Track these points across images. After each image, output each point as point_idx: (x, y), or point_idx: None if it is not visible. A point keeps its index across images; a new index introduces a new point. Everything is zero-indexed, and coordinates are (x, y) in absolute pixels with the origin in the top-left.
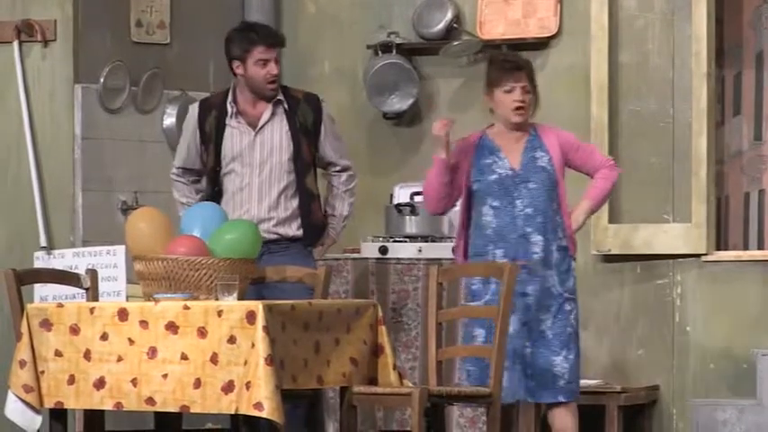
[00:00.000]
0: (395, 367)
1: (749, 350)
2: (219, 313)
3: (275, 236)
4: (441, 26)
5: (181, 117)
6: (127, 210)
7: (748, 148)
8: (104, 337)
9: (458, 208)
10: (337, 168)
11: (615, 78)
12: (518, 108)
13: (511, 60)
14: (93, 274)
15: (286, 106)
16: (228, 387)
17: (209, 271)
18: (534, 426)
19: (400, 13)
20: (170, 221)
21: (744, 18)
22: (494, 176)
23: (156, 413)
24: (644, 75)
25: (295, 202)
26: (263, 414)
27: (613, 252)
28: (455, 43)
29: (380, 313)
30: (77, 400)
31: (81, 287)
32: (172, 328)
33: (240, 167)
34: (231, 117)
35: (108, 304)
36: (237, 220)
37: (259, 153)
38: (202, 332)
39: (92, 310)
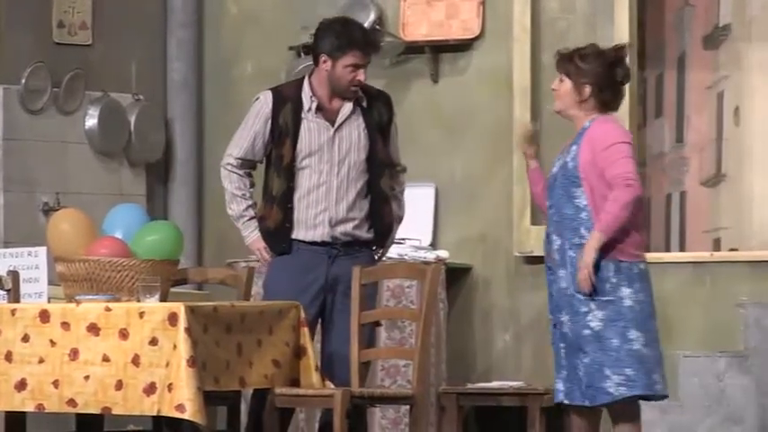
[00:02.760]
0: (317, 369)
1: (670, 352)
2: (141, 315)
3: (350, 238)
4: None
5: (103, 118)
6: (48, 211)
7: (670, 150)
8: (26, 338)
9: None
10: (398, 169)
11: (538, 80)
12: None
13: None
14: (14, 275)
15: (364, 104)
16: (150, 389)
17: (130, 272)
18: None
19: (323, 14)
20: (92, 223)
21: (666, 20)
22: (548, 175)
23: (78, 415)
24: None
25: (367, 204)
26: (186, 416)
27: (535, 254)
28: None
29: (303, 315)
30: None
31: (2, 289)
32: (93, 329)
33: (317, 164)
34: (309, 111)
35: (29, 306)
36: (159, 221)
37: (338, 151)
38: (124, 334)
39: (13, 312)
